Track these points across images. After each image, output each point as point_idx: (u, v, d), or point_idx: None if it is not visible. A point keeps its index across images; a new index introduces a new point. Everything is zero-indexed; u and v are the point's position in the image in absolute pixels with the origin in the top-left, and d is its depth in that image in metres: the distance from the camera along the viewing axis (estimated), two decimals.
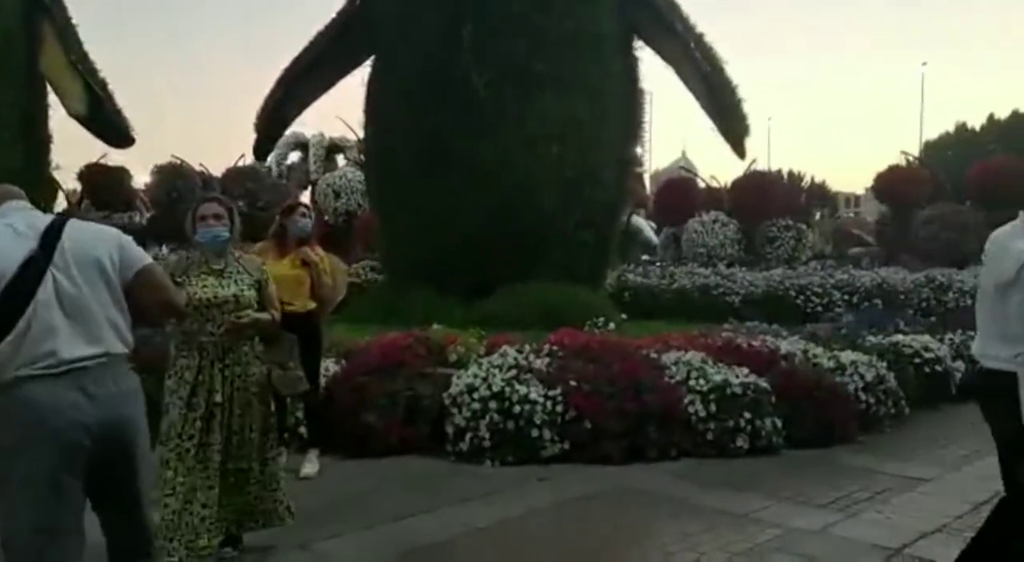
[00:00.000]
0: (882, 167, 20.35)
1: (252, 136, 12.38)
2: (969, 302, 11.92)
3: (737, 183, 20.24)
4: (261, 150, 12.52)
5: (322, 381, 6.49)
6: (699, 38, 11.31)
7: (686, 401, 6.35)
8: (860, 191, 68.83)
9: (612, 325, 8.00)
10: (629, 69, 11.82)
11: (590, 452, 6.04)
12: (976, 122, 53.57)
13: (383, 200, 11.98)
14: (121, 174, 21.77)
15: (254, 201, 20.76)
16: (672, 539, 4.48)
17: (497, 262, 10.93)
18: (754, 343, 7.84)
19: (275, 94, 12.02)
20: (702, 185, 22.42)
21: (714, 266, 15.39)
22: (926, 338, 8.87)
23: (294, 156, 32.81)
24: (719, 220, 19.58)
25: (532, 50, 10.59)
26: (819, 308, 12.45)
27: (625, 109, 11.66)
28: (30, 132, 11.33)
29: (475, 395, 6.16)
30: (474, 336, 7.81)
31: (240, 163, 20.65)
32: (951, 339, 9.16)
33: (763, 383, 6.63)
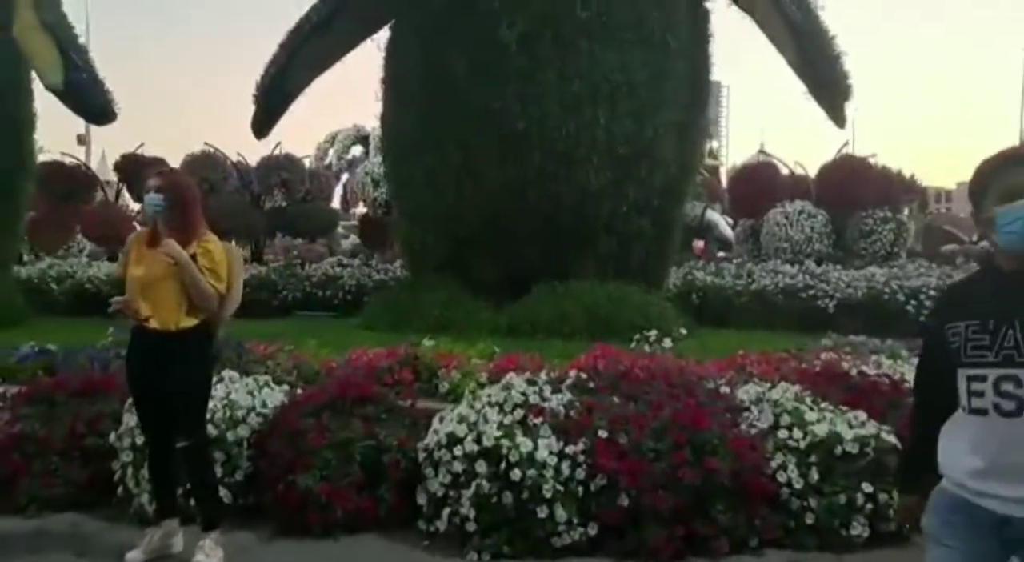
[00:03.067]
0: (978, 158, 17.32)
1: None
2: None
3: (826, 169, 17.66)
4: (260, 126, 10.78)
5: (253, 421, 4.66)
6: None
7: (774, 464, 4.26)
8: (951, 186, 64.42)
9: (668, 342, 5.89)
10: (697, 19, 9.64)
11: (627, 542, 4.03)
12: None
13: (398, 181, 10.13)
14: (160, 165, 20.62)
15: (292, 192, 19.33)
16: None
17: (532, 253, 9.04)
18: (867, 369, 5.66)
19: (277, 60, 10.26)
20: (784, 172, 19.86)
21: (800, 263, 13.00)
22: None
23: (356, 150, 31.53)
24: (805, 211, 17.06)
25: None
26: None
27: (692, 68, 9.48)
28: (1, 112, 9.89)
29: (458, 450, 4.19)
30: (479, 354, 5.87)
31: (276, 152, 19.14)
32: None
33: (888, 435, 4.46)
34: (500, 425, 4.27)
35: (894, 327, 9.79)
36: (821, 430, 4.38)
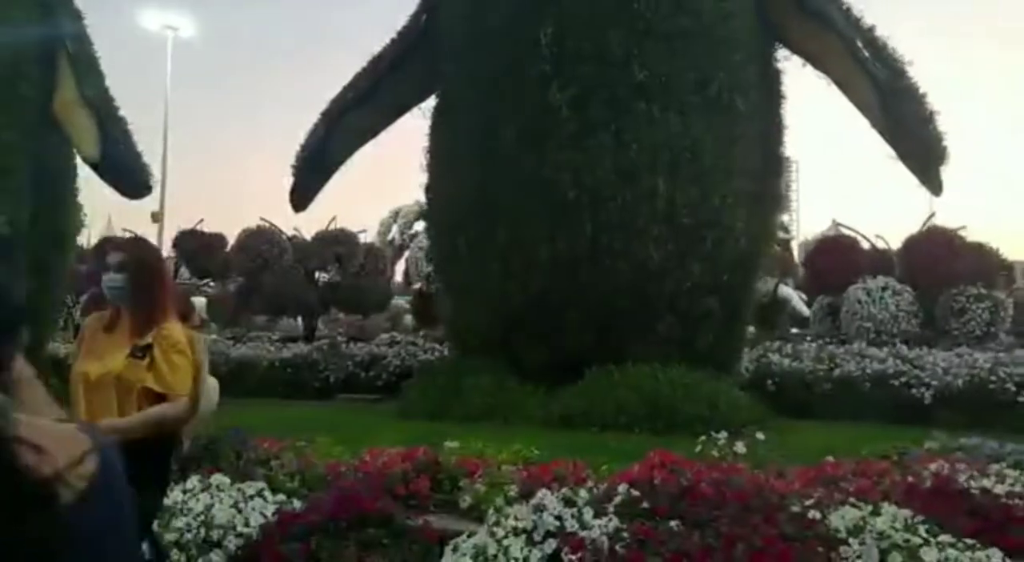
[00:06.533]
0: None
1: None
2: None
3: (912, 242, 16.39)
4: (298, 198, 10.34)
5: (232, 543, 3.86)
6: (868, 33, 8.24)
7: None
8: None
9: (741, 446, 4.88)
10: (768, 80, 8.88)
11: None
12: None
13: (442, 254, 9.49)
14: (218, 240, 20.70)
15: (347, 267, 18.98)
16: None
17: (585, 335, 8.19)
18: (990, 485, 4.57)
19: (318, 131, 9.88)
20: (865, 246, 18.59)
21: (889, 344, 11.76)
22: None
23: (420, 225, 31.41)
24: (889, 287, 15.75)
25: (632, 52, 7.93)
26: None
27: (763, 133, 8.67)
28: (41, 186, 9.64)
29: None
30: (514, 457, 4.99)
31: (331, 226, 18.90)
32: None
33: None
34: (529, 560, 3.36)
35: (1003, 421, 8.57)
36: None
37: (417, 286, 20.19)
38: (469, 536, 3.69)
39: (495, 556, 3.42)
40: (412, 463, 4.66)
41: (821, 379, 10.09)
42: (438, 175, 9.34)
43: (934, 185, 8.27)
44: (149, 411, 2.91)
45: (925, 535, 3.71)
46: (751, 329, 17.94)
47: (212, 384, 3.42)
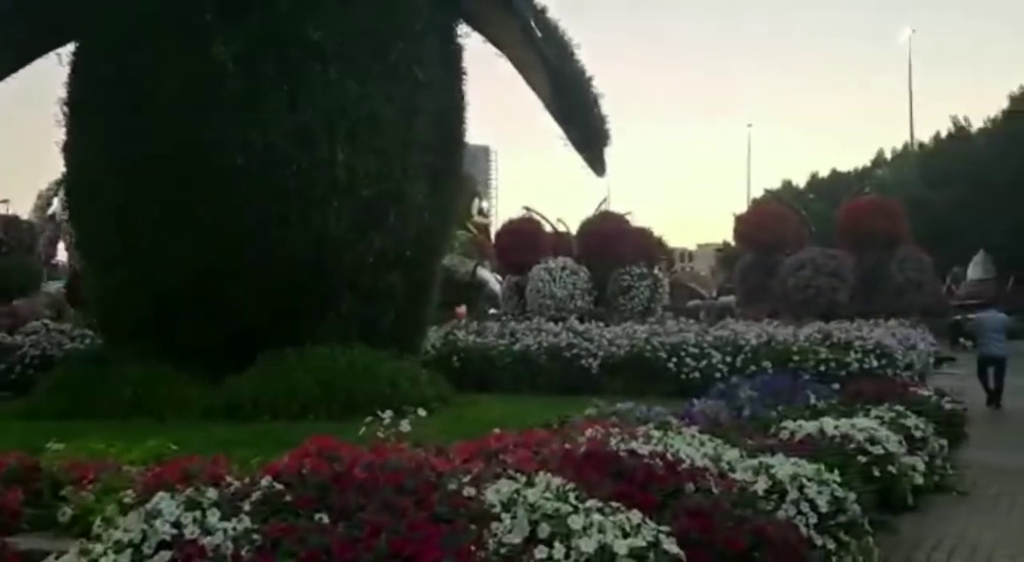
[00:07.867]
0: (715, 222, 18.67)
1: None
2: (875, 364, 9.62)
3: (587, 225, 17.82)
4: None
5: None
6: (541, 15, 8.49)
7: None
8: (692, 246, 71.38)
9: (406, 424, 4.63)
10: (449, 55, 8.82)
11: None
12: (800, 180, 55.60)
13: (83, 225, 8.21)
14: None
15: None
16: None
17: (257, 315, 7.52)
18: (637, 447, 4.80)
19: None
20: (548, 229, 19.91)
21: (564, 321, 12.54)
22: (865, 422, 6.22)
23: None
24: (567, 267, 16.99)
25: (305, 10, 7.35)
26: (696, 374, 9.81)
27: (443, 107, 8.60)
28: None
29: None
30: (147, 455, 4.29)
31: None
32: (881, 418, 6.64)
33: (670, 543, 3.48)
34: None
35: (656, 384, 9.47)
36: (588, 545, 3.30)
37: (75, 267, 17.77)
38: (58, 557, 2.98)
39: None
40: (1, 472, 3.76)
41: (503, 354, 10.45)
42: (79, 133, 8.01)
43: (597, 167, 8.81)
44: None
45: (575, 502, 3.71)
46: (463, 309, 18.32)
47: None
